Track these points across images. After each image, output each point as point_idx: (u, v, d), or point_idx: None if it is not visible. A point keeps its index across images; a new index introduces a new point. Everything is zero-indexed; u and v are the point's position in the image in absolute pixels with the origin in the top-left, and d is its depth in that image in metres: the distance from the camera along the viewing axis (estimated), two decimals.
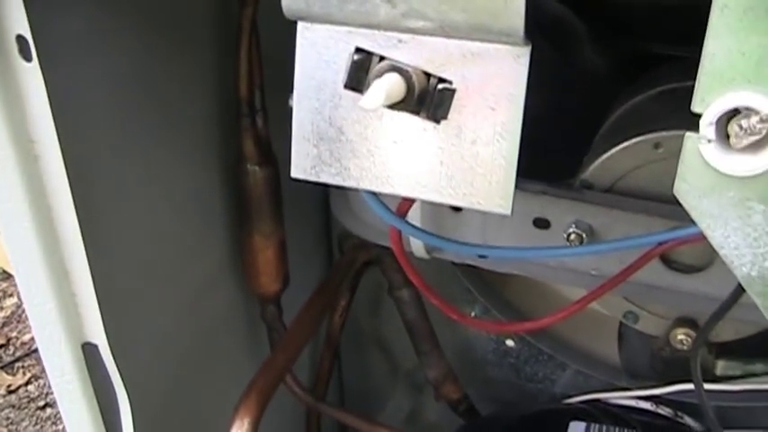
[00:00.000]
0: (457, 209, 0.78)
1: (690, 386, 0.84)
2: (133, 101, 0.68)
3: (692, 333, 0.78)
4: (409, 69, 0.47)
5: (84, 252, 0.63)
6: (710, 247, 0.70)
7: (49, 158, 0.59)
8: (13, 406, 2.11)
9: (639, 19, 0.80)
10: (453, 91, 0.48)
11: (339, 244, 1.01)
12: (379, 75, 0.47)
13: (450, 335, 1.05)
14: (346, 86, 0.49)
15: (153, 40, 0.68)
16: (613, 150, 0.70)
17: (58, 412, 2.06)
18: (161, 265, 0.75)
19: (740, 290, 0.61)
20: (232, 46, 0.76)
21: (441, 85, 0.48)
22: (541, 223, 0.75)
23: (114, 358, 0.67)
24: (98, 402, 0.70)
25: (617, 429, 0.88)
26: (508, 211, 0.49)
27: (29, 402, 2.11)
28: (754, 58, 0.40)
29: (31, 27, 0.54)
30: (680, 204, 0.66)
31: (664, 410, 0.92)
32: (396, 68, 0.47)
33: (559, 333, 1.01)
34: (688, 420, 0.92)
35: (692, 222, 0.62)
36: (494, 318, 1.01)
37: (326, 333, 1.02)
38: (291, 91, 0.52)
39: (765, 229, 0.43)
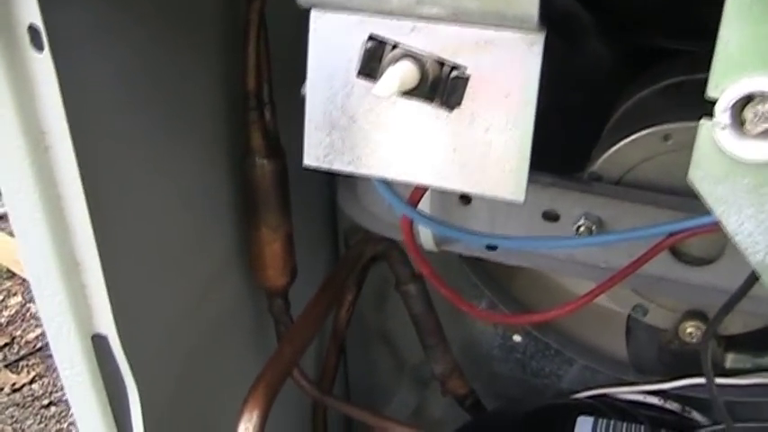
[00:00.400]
0: (466, 201, 0.78)
1: (697, 381, 0.85)
2: (141, 93, 0.68)
3: (702, 326, 0.78)
4: (423, 57, 0.47)
5: (94, 243, 0.63)
6: (720, 238, 0.71)
7: (60, 149, 0.59)
8: (18, 404, 2.11)
9: (646, 12, 0.80)
10: (467, 78, 0.48)
11: (345, 239, 1.01)
12: (393, 62, 0.48)
13: (457, 330, 1.05)
14: (359, 74, 0.49)
15: (162, 32, 0.68)
16: (622, 143, 0.70)
17: (63, 410, 2.07)
18: (169, 257, 0.75)
19: (751, 281, 0.61)
20: (240, 39, 0.76)
21: (454, 73, 0.48)
22: (550, 216, 0.75)
23: (124, 350, 0.67)
24: (107, 394, 0.70)
25: (624, 424, 0.88)
26: (521, 199, 0.49)
27: (33, 401, 2.12)
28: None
29: (43, 17, 0.54)
30: (689, 196, 0.66)
31: (671, 405, 0.92)
32: (409, 56, 0.48)
33: (566, 328, 1.01)
34: (695, 415, 0.92)
35: (702, 214, 0.62)
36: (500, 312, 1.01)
37: (332, 328, 1.02)
38: (302, 82, 0.52)
39: None
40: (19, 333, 2.30)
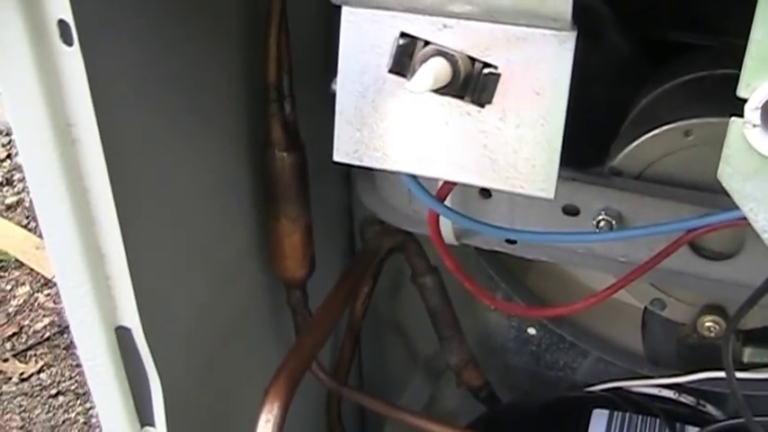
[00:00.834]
0: (486, 195, 0.78)
1: (713, 374, 0.85)
2: (165, 86, 0.68)
3: (720, 320, 0.78)
4: (455, 54, 0.48)
5: (119, 235, 0.63)
6: (739, 233, 0.71)
7: (87, 142, 0.60)
8: (26, 394, 2.11)
9: (666, 7, 0.81)
10: (498, 75, 0.48)
11: (361, 231, 1.01)
12: (425, 59, 0.48)
13: (471, 323, 1.05)
14: (391, 71, 0.50)
15: (185, 25, 0.69)
16: (643, 138, 0.70)
17: (71, 400, 2.08)
18: (191, 250, 0.75)
19: None
20: (261, 31, 0.76)
21: (486, 70, 0.48)
22: (570, 210, 0.75)
23: (147, 342, 0.68)
24: (129, 386, 0.71)
25: (640, 417, 0.88)
26: (551, 195, 0.50)
27: (41, 390, 2.12)
28: None
29: (72, 12, 0.54)
30: (710, 191, 0.67)
31: (686, 399, 0.92)
32: (441, 53, 0.48)
33: (581, 320, 1.02)
34: (710, 409, 0.92)
35: (723, 209, 0.62)
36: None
37: (348, 320, 1.03)
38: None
39: None
40: (27, 323, 2.31)
